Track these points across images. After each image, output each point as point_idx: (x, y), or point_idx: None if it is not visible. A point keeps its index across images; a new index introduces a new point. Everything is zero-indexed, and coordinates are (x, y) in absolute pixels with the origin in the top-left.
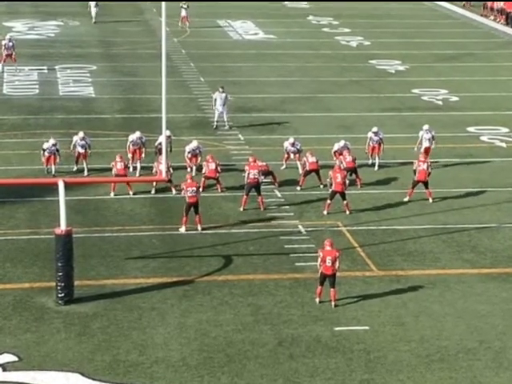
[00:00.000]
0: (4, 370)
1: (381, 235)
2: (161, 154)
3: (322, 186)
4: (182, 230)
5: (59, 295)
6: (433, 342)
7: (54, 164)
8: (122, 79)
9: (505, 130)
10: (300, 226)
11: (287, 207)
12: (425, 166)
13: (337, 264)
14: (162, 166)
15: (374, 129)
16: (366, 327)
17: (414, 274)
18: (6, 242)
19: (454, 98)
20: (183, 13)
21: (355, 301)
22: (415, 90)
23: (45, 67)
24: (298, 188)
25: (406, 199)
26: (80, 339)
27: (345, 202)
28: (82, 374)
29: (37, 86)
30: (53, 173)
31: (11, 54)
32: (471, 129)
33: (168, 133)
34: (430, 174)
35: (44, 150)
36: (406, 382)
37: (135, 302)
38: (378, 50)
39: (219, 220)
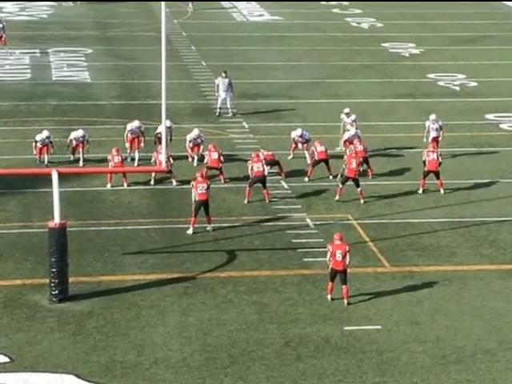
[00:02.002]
0: None
1: (394, 229)
2: (160, 143)
3: (331, 177)
4: (190, 231)
5: (53, 292)
6: (449, 343)
7: (47, 154)
8: (120, 63)
9: None
10: (308, 220)
11: (294, 199)
12: (434, 156)
13: (347, 259)
14: (161, 156)
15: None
16: (378, 326)
17: (429, 271)
18: None
19: (472, 84)
20: None
21: (366, 298)
22: (431, 75)
23: (37, 50)
24: (306, 179)
25: (419, 191)
26: (75, 339)
27: (359, 189)
28: (78, 376)
29: (29, 71)
30: (46, 163)
31: (1, 37)
32: (490, 116)
33: (168, 123)
34: (440, 163)
35: (36, 142)
36: None
37: (133, 299)
38: (391, 32)
39: (222, 213)
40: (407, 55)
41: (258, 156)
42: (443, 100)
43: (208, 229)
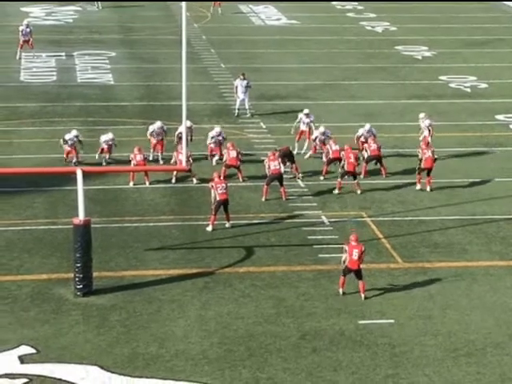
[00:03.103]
0: (22, 362)
1: (406, 226)
2: (181, 142)
3: (346, 177)
4: (209, 228)
5: (77, 287)
6: (460, 336)
7: (76, 154)
8: (142, 66)
9: None
10: (323, 217)
11: (310, 197)
12: (430, 153)
13: (362, 258)
14: (182, 156)
15: (306, 110)
16: (391, 320)
17: (441, 266)
18: (23, 233)
19: (483, 85)
20: None
21: (380, 293)
22: (442, 77)
23: (63, 53)
24: (322, 178)
25: (417, 187)
26: (98, 331)
27: (355, 181)
28: (101, 367)
29: (54, 73)
30: (74, 161)
31: (28, 40)
32: (500, 117)
33: (189, 123)
34: (436, 159)
35: (65, 141)
36: (432, 376)
37: (154, 294)
38: (404, 35)
39: (240, 210)
40: (420, 58)
41: (274, 154)
42: (455, 101)
43: (227, 226)
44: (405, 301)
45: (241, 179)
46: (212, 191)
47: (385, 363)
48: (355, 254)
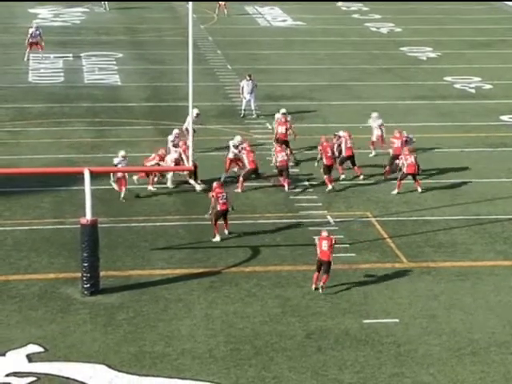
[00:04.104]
0: (30, 360)
1: (411, 226)
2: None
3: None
4: (218, 239)
5: (85, 286)
6: (464, 336)
7: (125, 186)
8: (149, 67)
9: None
10: (329, 217)
11: (316, 197)
12: (413, 159)
13: (332, 251)
14: (188, 154)
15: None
16: (396, 320)
17: (445, 266)
18: (31, 232)
19: (487, 86)
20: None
21: (385, 293)
22: (447, 78)
23: (70, 55)
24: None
25: (394, 192)
26: (106, 330)
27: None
28: (108, 366)
29: (62, 74)
30: (122, 197)
31: (37, 43)
32: (505, 117)
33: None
34: (419, 167)
35: (116, 166)
36: (436, 375)
37: (161, 293)
38: (409, 36)
39: (246, 210)
40: (425, 59)
41: (280, 146)
42: (459, 102)
43: (226, 232)
44: (409, 300)
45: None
46: (212, 200)
47: (389, 362)
48: (324, 245)
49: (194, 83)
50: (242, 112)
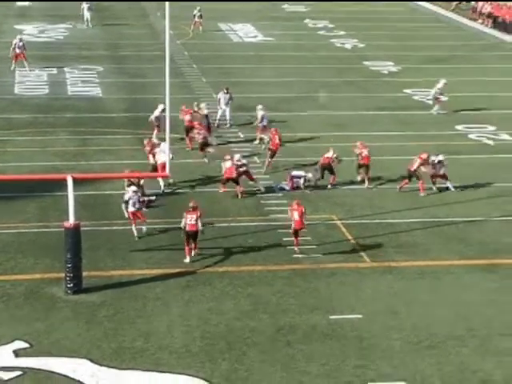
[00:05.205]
0: (16, 355)
1: (374, 228)
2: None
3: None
4: (187, 260)
5: (68, 285)
6: (423, 330)
7: (141, 219)
8: (128, 80)
9: (491, 128)
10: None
11: (285, 201)
12: (366, 152)
13: (304, 218)
14: (165, 159)
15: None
16: (360, 316)
17: (406, 265)
18: (17, 235)
19: (444, 98)
20: (196, 18)
21: (350, 291)
22: (407, 90)
23: (54, 68)
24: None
25: (358, 179)
26: (88, 327)
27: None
28: (91, 360)
29: (47, 87)
30: (136, 235)
31: (21, 53)
32: (460, 127)
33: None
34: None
35: (126, 203)
36: (397, 367)
37: (140, 291)
38: (372, 51)
39: (219, 214)
40: (386, 72)
41: (276, 130)
42: (418, 112)
43: (193, 254)
44: (372, 297)
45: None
46: (183, 220)
47: (354, 355)
48: (296, 215)
49: (171, 95)
50: (217, 122)
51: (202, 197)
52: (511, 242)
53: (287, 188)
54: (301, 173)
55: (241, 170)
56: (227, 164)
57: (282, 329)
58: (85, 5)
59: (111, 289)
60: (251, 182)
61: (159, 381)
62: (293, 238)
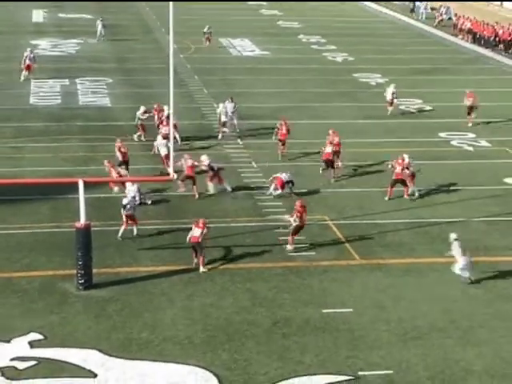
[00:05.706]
0: (31, 347)
1: (364, 228)
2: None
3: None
4: (204, 269)
5: (79, 281)
6: (409, 323)
7: (134, 222)
8: (135, 90)
9: (472, 135)
10: (292, 221)
11: (280, 203)
12: (329, 149)
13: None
14: (169, 169)
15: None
16: (351, 310)
17: (393, 263)
18: (32, 235)
19: (428, 107)
20: (207, 34)
21: (341, 286)
22: (394, 100)
23: (66, 80)
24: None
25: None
26: (98, 320)
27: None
28: (100, 351)
29: (59, 97)
30: (120, 236)
31: (31, 65)
32: (443, 134)
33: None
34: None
35: (124, 207)
36: (385, 357)
37: (146, 287)
38: (361, 64)
39: (220, 215)
40: (374, 84)
41: (285, 122)
42: (404, 121)
43: (200, 271)
44: (362, 292)
45: (196, 195)
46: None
47: (345, 346)
48: (304, 216)
49: (175, 105)
50: (223, 129)
51: (204, 198)
52: (490, 241)
53: (279, 192)
54: (288, 176)
55: (201, 169)
56: (188, 162)
57: (278, 322)
58: (99, 21)
59: (119, 285)
60: (219, 186)
61: (164, 370)
62: (288, 237)
